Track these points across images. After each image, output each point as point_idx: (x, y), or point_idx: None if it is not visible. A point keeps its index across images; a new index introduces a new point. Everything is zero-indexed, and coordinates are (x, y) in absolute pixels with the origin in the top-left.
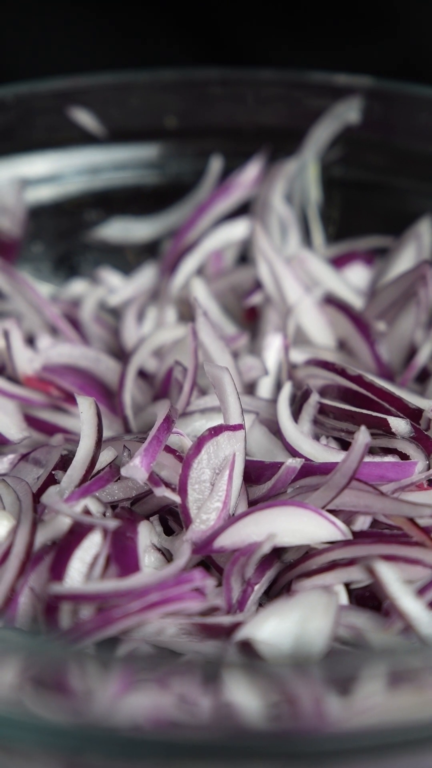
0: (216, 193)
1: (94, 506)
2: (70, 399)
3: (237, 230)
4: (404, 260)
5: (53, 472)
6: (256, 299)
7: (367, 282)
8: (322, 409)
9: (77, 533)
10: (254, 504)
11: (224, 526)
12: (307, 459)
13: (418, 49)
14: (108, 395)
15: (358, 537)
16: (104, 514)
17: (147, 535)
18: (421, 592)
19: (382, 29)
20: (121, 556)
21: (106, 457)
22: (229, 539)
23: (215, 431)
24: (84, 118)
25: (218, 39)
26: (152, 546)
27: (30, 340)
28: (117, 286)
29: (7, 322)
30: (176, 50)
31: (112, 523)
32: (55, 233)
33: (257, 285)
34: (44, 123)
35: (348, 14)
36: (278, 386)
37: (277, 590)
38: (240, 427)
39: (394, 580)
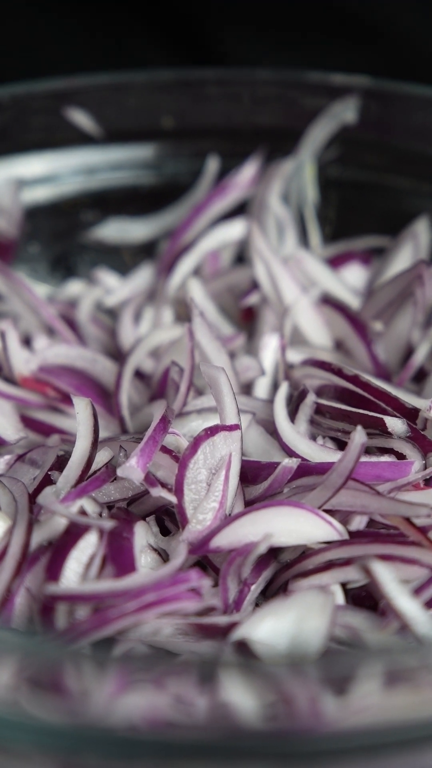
0: (213, 193)
1: (91, 507)
2: (67, 400)
3: (234, 230)
4: (401, 260)
5: (49, 473)
6: (252, 299)
7: (364, 282)
8: (319, 409)
9: (73, 533)
10: (251, 504)
11: (220, 526)
12: (303, 459)
13: (413, 49)
14: (105, 396)
15: (355, 537)
16: (100, 515)
17: (143, 535)
18: (417, 591)
19: (375, 34)
20: (118, 556)
21: (102, 457)
22: (225, 539)
23: (211, 431)
24: (80, 118)
25: (208, 51)
26: (148, 546)
27: (27, 341)
28: (114, 287)
29: (3, 323)
30: (168, 56)
31: (108, 524)
32: (52, 234)
33: (254, 285)
34: (40, 123)
35: (342, 19)
36: (275, 386)
37: (274, 590)
38: (236, 427)
39: (390, 579)
